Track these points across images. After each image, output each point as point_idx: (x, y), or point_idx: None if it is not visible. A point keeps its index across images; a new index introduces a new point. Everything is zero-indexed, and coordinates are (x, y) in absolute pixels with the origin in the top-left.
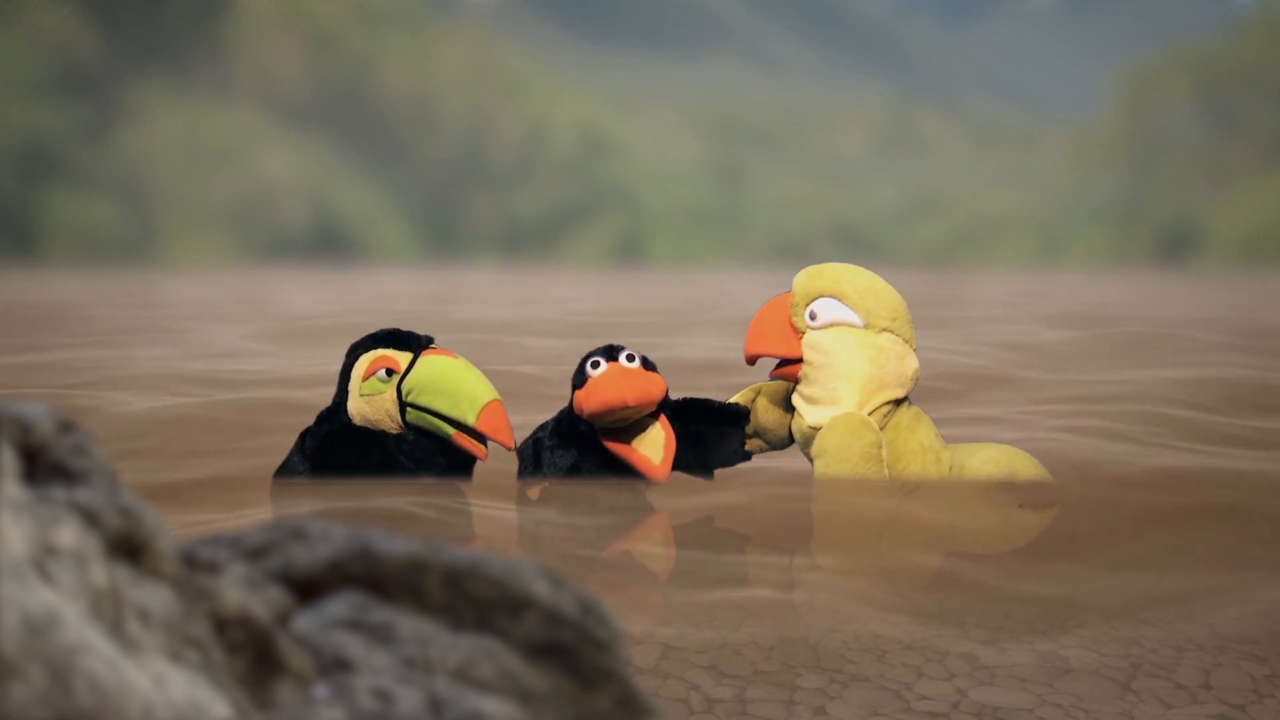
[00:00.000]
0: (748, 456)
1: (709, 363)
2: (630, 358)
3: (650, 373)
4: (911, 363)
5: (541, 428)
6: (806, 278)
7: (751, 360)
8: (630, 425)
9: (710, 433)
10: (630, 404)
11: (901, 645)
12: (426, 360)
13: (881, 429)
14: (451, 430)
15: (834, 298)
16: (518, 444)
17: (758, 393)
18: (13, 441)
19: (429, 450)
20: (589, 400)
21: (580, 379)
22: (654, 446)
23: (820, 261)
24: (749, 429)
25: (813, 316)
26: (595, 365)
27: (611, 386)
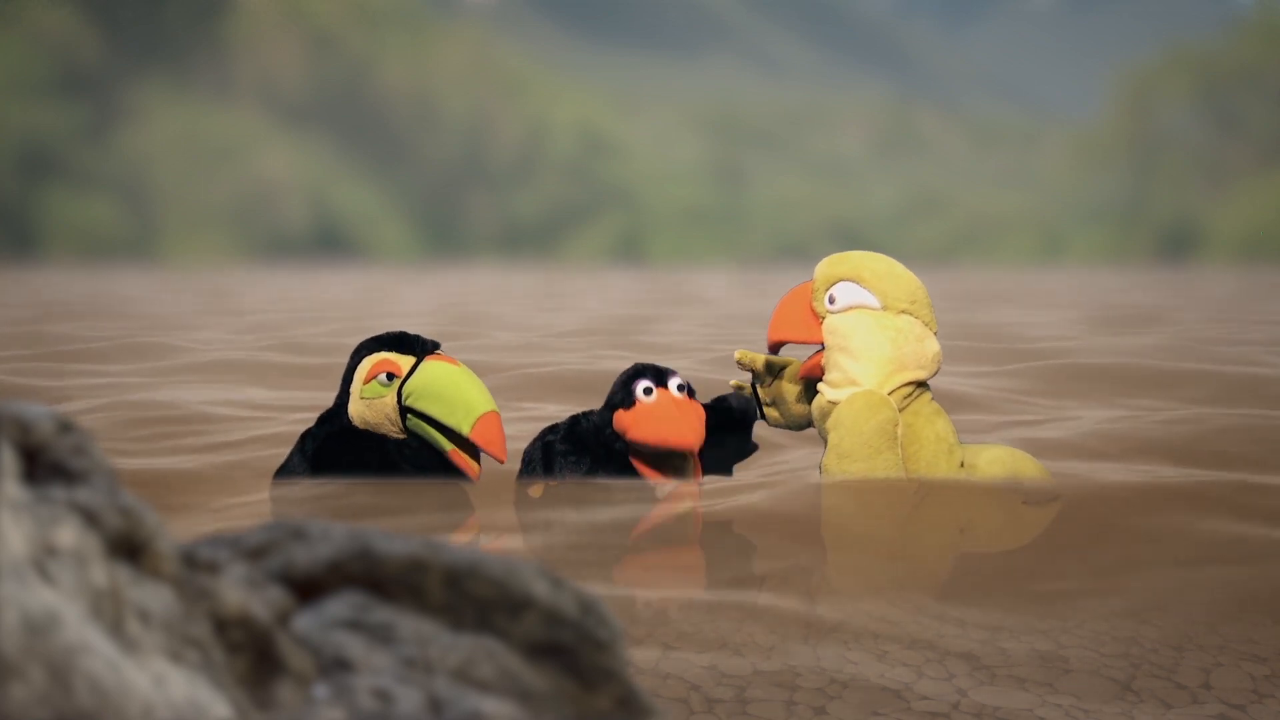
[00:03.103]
0: (756, 448)
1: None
2: (680, 386)
3: (697, 411)
4: (932, 345)
5: (552, 430)
6: (827, 265)
7: (774, 348)
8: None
9: (725, 436)
10: (681, 449)
11: (901, 645)
12: (428, 365)
13: (901, 410)
14: (448, 446)
15: (852, 281)
16: (524, 447)
17: (787, 364)
18: (13, 441)
19: (429, 456)
20: (639, 429)
21: (627, 399)
22: (681, 470)
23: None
24: (767, 396)
25: (831, 301)
26: (648, 392)
27: (666, 424)
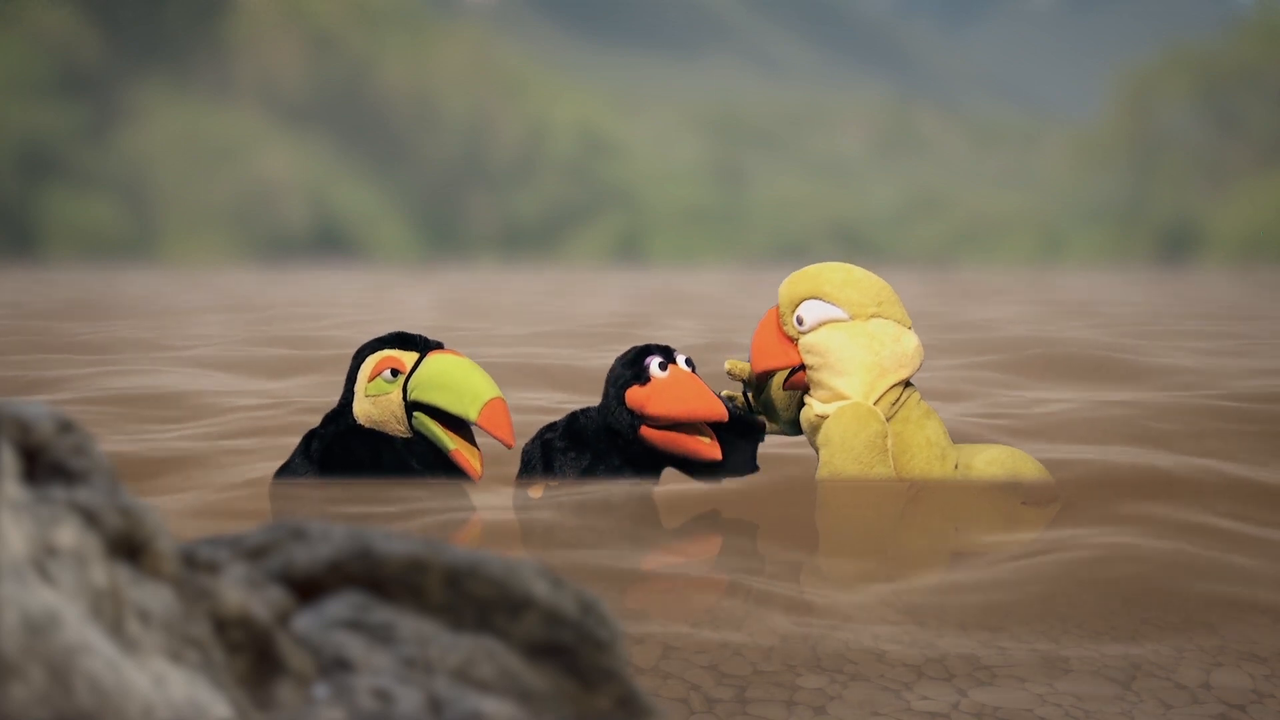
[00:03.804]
0: (756, 469)
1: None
2: (687, 362)
3: (706, 385)
4: (910, 341)
5: (550, 428)
6: (788, 285)
7: (762, 379)
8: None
9: (724, 440)
10: (709, 419)
11: (901, 645)
12: (432, 358)
13: (890, 418)
14: (451, 446)
15: (816, 298)
16: (521, 446)
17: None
18: (13, 441)
19: (437, 452)
20: (660, 404)
21: (641, 375)
22: (698, 430)
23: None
24: (759, 405)
25: (800, 321)
26: (662, 367)
27: (692, 397)
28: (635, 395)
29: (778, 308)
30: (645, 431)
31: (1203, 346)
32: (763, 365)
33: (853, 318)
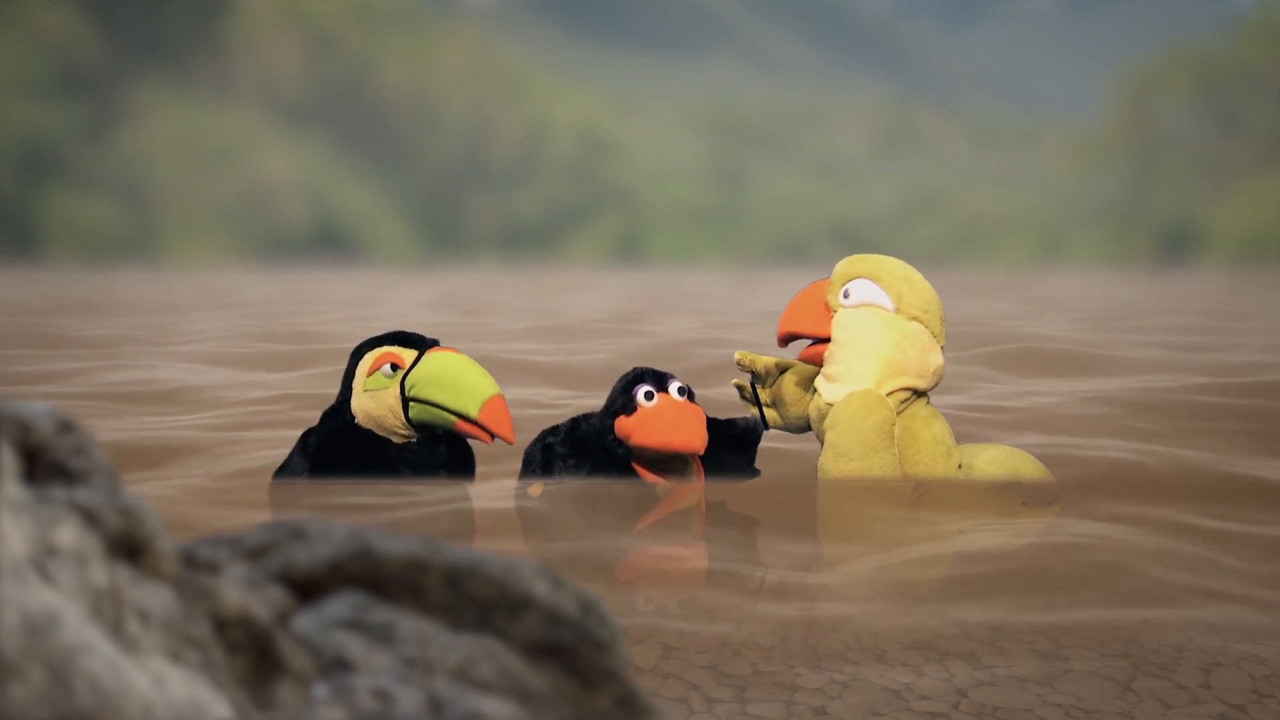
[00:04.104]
0: (756, 473)
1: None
2: (681, 390)
3: (698, 413)
4: (936, 358)
5: (552, 432)
6: (848, 262)
7: (783, 341)
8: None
9: (724, 454)
10: (684, 451)
11: (901, 645)
12: (431, 356)
13: (898, 414)
14: (454, 419)
15: (870, 280)
16: (524, 446)
17: (789, 366)
18: (13, 441)
19: (431, 461)
20: (642, 434)
21: (628, 405)
22: (684, 475)
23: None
24: (767, 398)
25: (846, 295)
26: (649, 396)
27: (670, 428)
28: (623, 425)
29: (826, 280)
30: (634, 464)
31: (1190, 341)
32: (791, 326)
33: (896, 311)
